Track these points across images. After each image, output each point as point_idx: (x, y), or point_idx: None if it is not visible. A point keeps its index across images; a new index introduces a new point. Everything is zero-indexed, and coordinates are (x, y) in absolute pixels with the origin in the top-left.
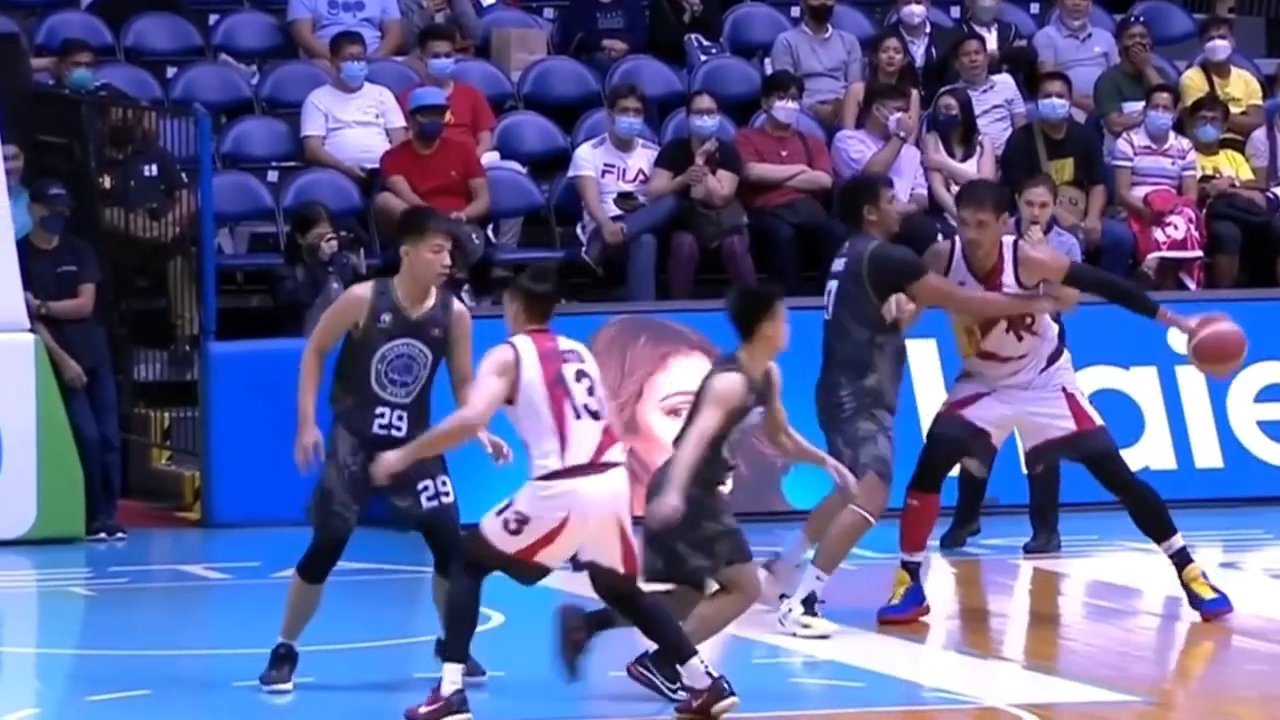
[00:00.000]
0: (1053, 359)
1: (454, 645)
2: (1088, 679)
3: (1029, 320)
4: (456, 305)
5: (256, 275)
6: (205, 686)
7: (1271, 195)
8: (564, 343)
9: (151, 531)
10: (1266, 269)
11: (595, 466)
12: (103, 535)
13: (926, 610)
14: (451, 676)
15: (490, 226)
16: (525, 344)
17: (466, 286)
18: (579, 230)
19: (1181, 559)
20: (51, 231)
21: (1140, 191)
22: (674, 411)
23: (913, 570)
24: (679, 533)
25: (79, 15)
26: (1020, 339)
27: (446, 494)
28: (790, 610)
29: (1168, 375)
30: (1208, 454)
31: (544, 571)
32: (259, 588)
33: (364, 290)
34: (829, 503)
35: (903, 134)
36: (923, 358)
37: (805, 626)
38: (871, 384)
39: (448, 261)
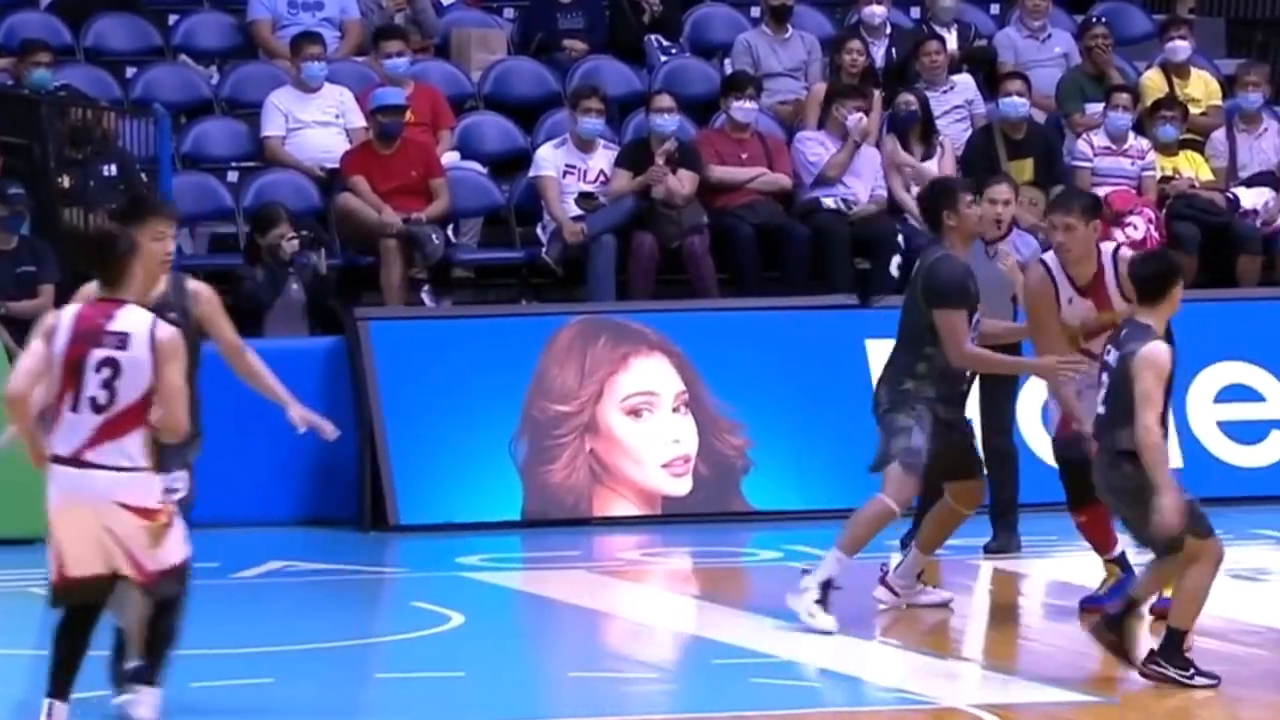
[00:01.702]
0: None
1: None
2: (1048, 679)
3: None
4: (192, 283)
5: (216, 276)
6: (163, 686)
7: (1231, 196)
8: (122, 321)
9: None
10: (1226, 269)
11: (74, 461)
12: None
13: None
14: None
15: (450, 226)
16: (68, 315)
17: (427, 286)
18: (539, 230)
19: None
20: (11, 231)
21: (1100, 192)
22: (634, 412)
23: (1119, 562)
24: (1130, 508)
25: (38, 15)
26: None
27: None
28: (806, 590)
29: None
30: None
31: (81, 587)
32: (217, 588)
33: (91, 288)
34: (936, 510)
35: (859, 136)
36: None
37: (810, 615)
38: (909, 388)
39: (171, 248)
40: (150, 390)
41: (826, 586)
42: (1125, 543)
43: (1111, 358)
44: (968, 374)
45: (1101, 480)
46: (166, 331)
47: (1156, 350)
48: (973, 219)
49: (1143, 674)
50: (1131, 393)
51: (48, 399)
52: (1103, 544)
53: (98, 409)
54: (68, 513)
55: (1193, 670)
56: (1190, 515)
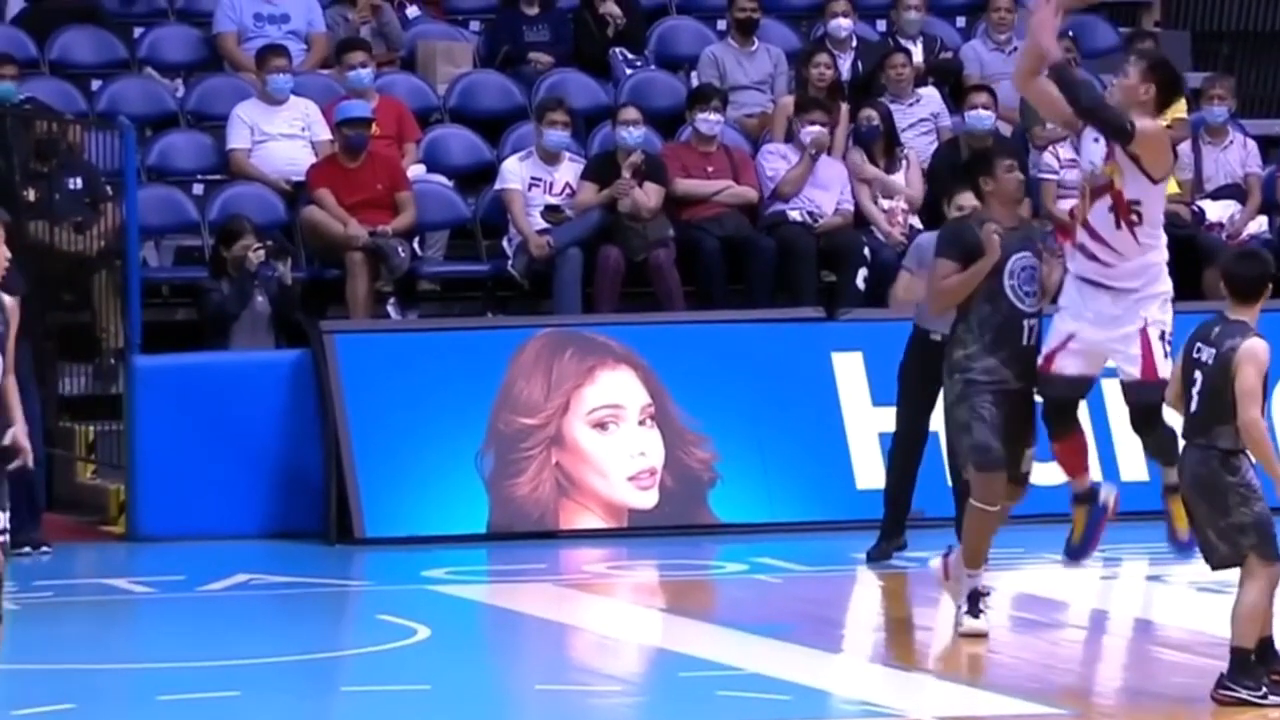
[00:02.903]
0: (1149, 283)
1: None
2: (1012, 691)
3: (1135, 214)
4: (7, 298)
5: (182, 288)
6: (129, 700)
7: (1197, 209)
8: None
9: (76, 545)
10: (1192, 282)
11: None
12: (27, 549)
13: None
14: None
15: (416, 239)
16: None
17: (393, 299)
18: (505, 243)
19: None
20: None
21: (1066, 204)
22: (600, 425)
23: (1082, 496)
24: (1210, 502)
25: (2, 28)
26: (1120, 227)
27: None
28: (960, 607)
29: (1093, 389)
30: (1134, 468)
31: None
32: (184, 601)
33: None
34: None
35: (814, 150)
36: (849, 370)
37: (958, 625)
38: (959, 357)
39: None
40: None
41: (974, 599)
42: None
43: (1206, 355)
44: (1025, 332)
45: (1189, 475)
46: None
47: (1257, 345)
48: (1011, 183)
49: (1215, 699)
50: (1232, 389)
51: None
52: (1071, 470)
53: None
54: None
55: (1265, 689)
56: (1261, 533)
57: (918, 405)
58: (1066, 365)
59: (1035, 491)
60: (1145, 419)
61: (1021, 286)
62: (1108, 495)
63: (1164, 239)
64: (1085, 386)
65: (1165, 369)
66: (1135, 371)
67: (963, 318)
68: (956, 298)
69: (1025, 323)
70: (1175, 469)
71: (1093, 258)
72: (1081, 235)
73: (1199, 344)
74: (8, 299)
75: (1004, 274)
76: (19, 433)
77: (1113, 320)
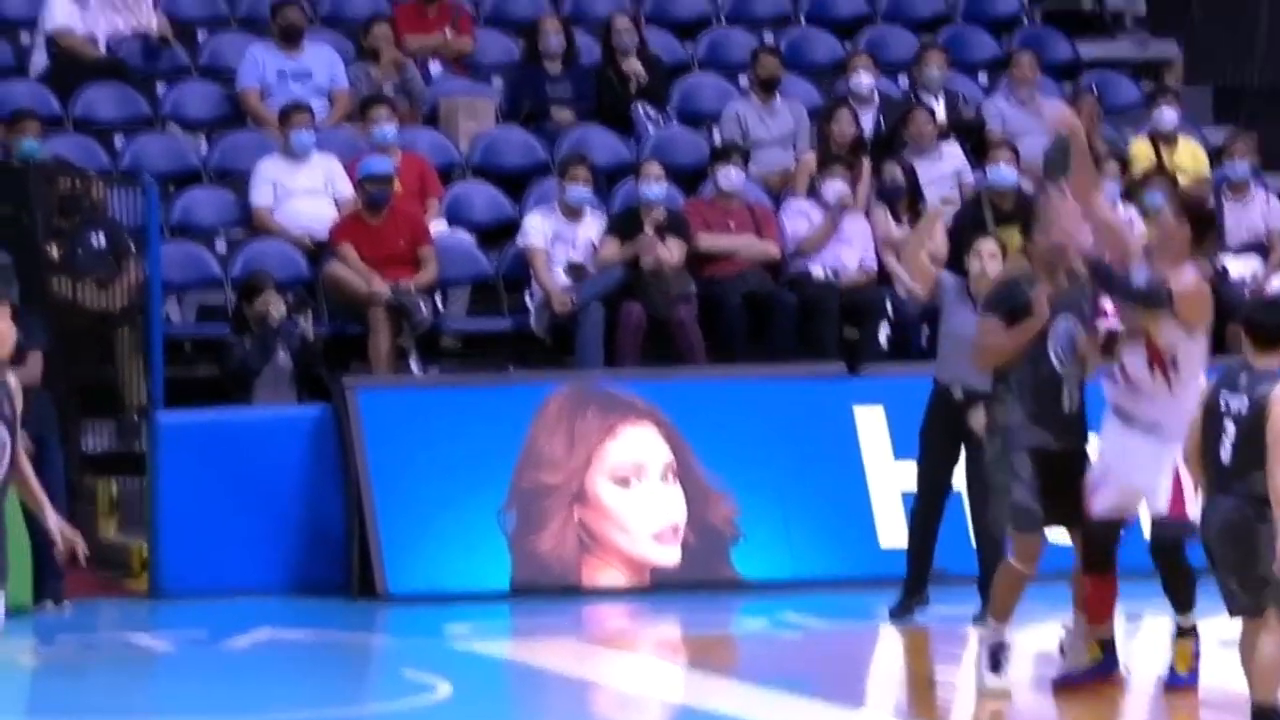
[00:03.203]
0: (1182, 422)
1: None
2: None
3: (1170, 362)
4: (12, 376)
5: (204, 344)
6: None
7: (1220, 266)
8: None
9: (99, 601)
10: (1216, 337)
11: None
12: (50, 604)
13: (1112, 678)
14: None
15: (439, 295)
16: None
17: (415, 355)
18: (527, 299)
19: (1184, 632)
20: None
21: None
22: (623, 481)
23: (1102, 644)
24: (1237, 549)
25: (27, 85)
26: (1154, 374)
27: None
28: (982, 664)
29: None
30: None
31: None
32: (206, 657)
33: None
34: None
35: (838, 213)
36: (871, 424)
37: (980, 682)
38: (998, 417)
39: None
40: None
41: (996, 651)
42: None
43: (1237, 404)
44: (1066, 395)
45: (1220, 521)
46: None
47: None
48: (1044, 248)
49: None
50: (1264, 437)
51: None
52: (1096, 615)
53: None
54: None
55: None
56: None
57: (939, 462)
58: (1101, 502)
59: (1055, 550)
60: (1169, 556)
61: (1064, 350)
62: (1122, 666)
63: (1201, 383)
64: (1119, 527)
65: (1194, 509)
66: (1163, 507)
67: (1002, 377)
68: (1000, 357)
69: (1066, 386)
70: (1189, 614)
71: (1126, 393)
72: (1117, 374)
73: (1225, 393)
74: (12, 379)
75: (1046, 336)
76: (56, 526)
77: (1144, 455)
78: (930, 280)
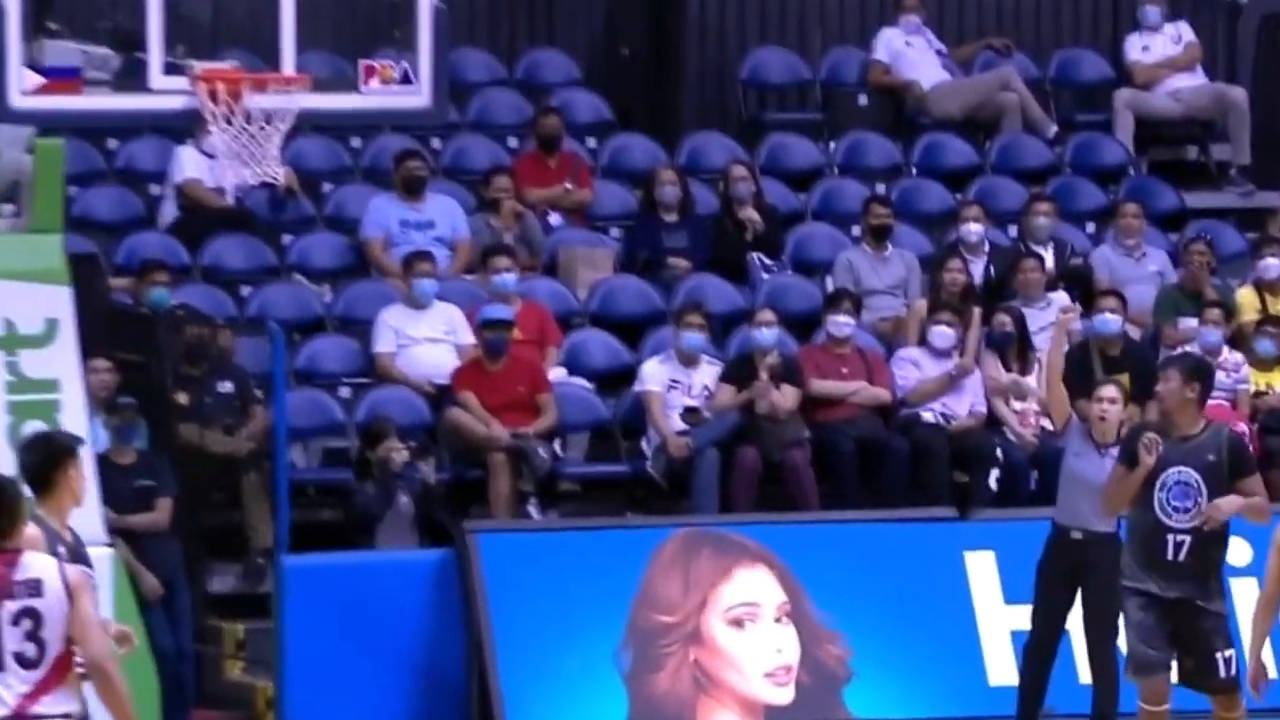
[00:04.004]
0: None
1: None
2: None
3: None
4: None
5: (328, 489)
6: None
7: None
8: (26, 568)
9: None
10: None
11: (18, 718)
12: None
13: None
14: None
15: (557, 440)
16: None
17: (534, 499)
18: (644, 444)
19: None
20: (125, 442)
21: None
22: (737, 622)
23: None
24: None
25: (157, 236)
26: None
27: None
28: None
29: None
30: None
31: None
32: None
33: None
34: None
35: (955, 356)
36: (982, 569)
37: None
38: (1125, 559)
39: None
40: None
41: None
42: None
43: None
44: (1170, 545)
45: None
46: (73, 570)
47: None
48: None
49: None
50: None
51: None
52: None
53: (26, 664)
54: None
55: None
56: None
57: (1056, 603)
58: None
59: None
60: None
61: (1171, 500)
62: None
63: None
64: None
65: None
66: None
67: (1129, 522)
68: (1113, 502)
69: (1170, 536)
70: None
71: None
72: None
73: None
74: (72, 572)
75: (1155, 485)
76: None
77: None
78: (1065, 414)
